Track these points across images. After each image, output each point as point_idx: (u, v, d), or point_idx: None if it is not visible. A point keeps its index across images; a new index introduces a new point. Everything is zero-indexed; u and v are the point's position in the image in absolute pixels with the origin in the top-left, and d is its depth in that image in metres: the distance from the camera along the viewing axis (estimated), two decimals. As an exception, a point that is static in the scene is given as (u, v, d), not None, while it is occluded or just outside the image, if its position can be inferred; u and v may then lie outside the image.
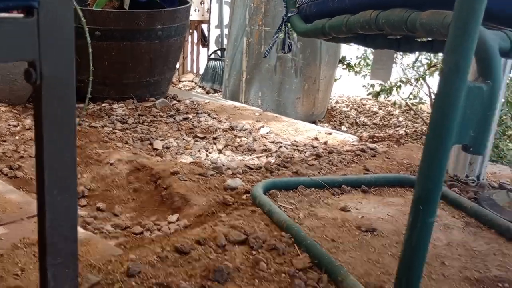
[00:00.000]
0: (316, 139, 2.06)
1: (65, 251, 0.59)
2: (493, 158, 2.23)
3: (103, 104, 2.30)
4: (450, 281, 1.03)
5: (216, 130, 2.10)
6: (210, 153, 1.87)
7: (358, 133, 2.89)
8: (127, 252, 1.02)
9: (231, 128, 2.13)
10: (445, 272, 1.07)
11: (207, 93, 3.44)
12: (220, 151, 1.90)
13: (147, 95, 2.39)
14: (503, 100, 2.17)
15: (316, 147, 1.94)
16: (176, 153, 1.85)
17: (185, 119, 2.20)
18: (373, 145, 2.01)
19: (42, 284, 0.59)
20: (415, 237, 0.70)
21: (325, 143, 2.01)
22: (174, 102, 2.44)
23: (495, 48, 0.66)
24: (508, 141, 2.21)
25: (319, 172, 1.64)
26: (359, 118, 3.29)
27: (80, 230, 1.12)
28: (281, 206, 1.30)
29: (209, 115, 2.29)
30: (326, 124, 2.96)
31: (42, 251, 0.58)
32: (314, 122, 2.82)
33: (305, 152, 1.86)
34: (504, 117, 2.28)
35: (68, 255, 0.59)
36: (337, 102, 3.68)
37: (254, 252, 1.05)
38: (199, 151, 1.87)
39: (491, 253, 1.18)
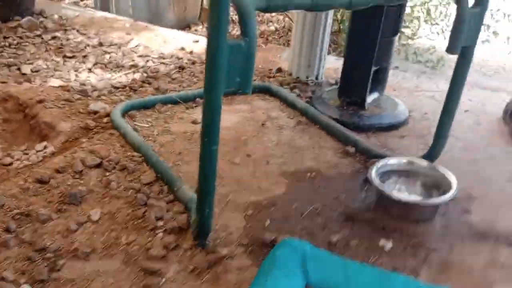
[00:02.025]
0: (183, 49, 2.19)
1: None
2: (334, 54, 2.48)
3: (-36, 29, 2.24)
4: (270, 176, 1.30)
5: (85, 47, 2.16)
6: (80, 73, 1.95)
7: (234, 32, 3.02)
8: (-8, 187, 1.17)
9: (101, 44, 2.19)
10: (267, 169, 1.33)
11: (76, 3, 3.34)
12: (89, 70, 1.98)
13: (11, 14, 2.34)
14: None
15: (181, 58, 2.08)
16: (46, 76, 1.91)
17: (53, 38, 2.22)
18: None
19: None
20: (205, 162, 0.91)
21: (191, 52, 2.15)
22: (42, 19, 2.42)
23: (251, 10, 0.83)
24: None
25: (180, 86, 1.81)
26: (235, 15, 3.40)
27: None
28: (137, 126, 1.47)
29: (78, 31, 2.32)
30: (201, 27, 3.05)
31: None
32: (188, 27, 2.91)
33: (170, 65, 2.00)
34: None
35: None
36: None
37: (107, 173, 1.24)
38: (68, 72, 1.94)
39: (311, 147, 1.45)
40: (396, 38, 1.56)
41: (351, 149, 1.43)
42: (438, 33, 2.64)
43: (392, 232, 1.12)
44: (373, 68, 1.55)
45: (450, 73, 2.17)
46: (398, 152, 1.46)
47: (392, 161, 1.25)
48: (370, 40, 1.51)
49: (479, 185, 1.33)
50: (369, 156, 1.39)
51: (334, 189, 1.26)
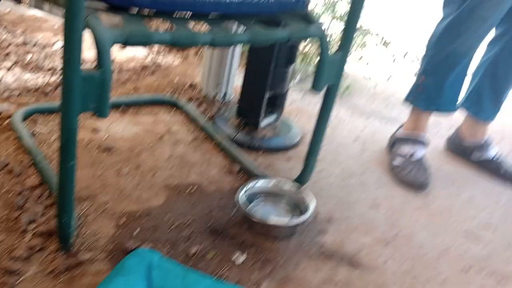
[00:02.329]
0: (106, 55, 2.26)
1: None
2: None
3: None
4: (152, 188, 1.40)
5: (9, 45, 2.21)
6: (-2, 71, 2.01)
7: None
8: None
9: (25, 43, 2.24)
10: (152, 181, 1.43)
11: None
12: (8, 69, 2.04)
13: None
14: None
15: (100, 65, 2.15)
16: (-36, 73, 1.96)
17: (-22, 33, 2.26)
18: (164, 59, 2.29)
19: None
20: (63, 176, 1.00)
21: (113, 60, 2.24)
22: (-30, 12, 2.45)
23: (106, 45, 0.94)
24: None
25: (92, 93, 1.89)
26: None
27: None
28: (36, 130, 1.55)
29: (5, 28, 2.36)
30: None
31: None
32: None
33: (87, 71, 2.08)
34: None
35: None
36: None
37: (-6, 175, 1.31)
38: (-13, 69, 2.00)
39: (200, 163, 1.57)
40: (291, 68, 1.70)
41: (236, 168, 1.56)
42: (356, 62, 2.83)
43: (248, 247, 1.25)
44: (267, 95, 1.69)
45: (353, 101, 2.35)
46: (281, 173, 1.60)
47: (260, 183, 1.39)
48: (264, 69, 1.64)
49: (343, 209, 1.48)
50: (251, 176, 1.51)
51: (208, 205, 1.38)
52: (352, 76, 2.76)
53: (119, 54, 2.30)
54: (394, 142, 1.80)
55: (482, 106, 1.77)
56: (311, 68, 2.54)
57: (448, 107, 1.72)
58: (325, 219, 1.42)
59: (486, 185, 1.77)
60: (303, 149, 1.76)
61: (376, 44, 2.82)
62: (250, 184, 1.37)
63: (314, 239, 1.33)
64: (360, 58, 2.85)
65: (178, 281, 1.01)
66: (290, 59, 1.68)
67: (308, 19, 1.21)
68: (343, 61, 1.26)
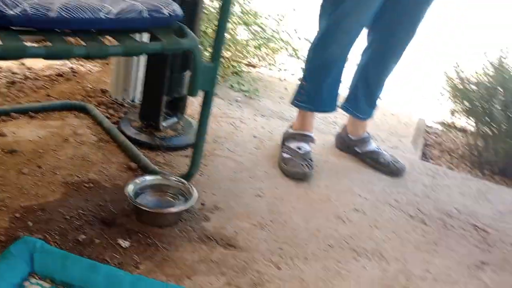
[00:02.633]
0: (23, 64, 2.37)
1: None
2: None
3: None
4: (51, 186, 1.54)
5: None
6: None
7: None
8: None
9: None
10: (52, 180, 1.57)
11: None
12: None
13: None
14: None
15: (15, 73, 2.26)
16: None
17: None
18: (83, 67, 2.42)
19: None
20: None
21: (30, 68, 2.35)
22: None
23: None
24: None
25: (4, 100, 2.00)
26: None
27: None
28: None
29: None
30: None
31: None
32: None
33: (1, 79, 2.19)
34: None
35: None
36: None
37: None
38: None
39: (101, 162, 1.72)
40: (187, 73, 1.87)
41: (134, 165, 1.72)
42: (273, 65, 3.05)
43: (134, 234, 1.41)
44: (164, 98, 1.85)
45: (260, 103, 2.55)
46: (179, 169, 1.77)
47: (149, 178, 1.55)
48: (161, 75, 1.81)
49: (229, 199, 1.66)
50: (147, 172, 1.68)
51: (103, 199, 1.53)
52: (266, 80, 2.97)
53: (37, 62, 2.41)
54: (284, 139, 2.00)
55: (359, 106, 2.01)
56: (224, 76, 2.73)
57: (326, 108, 1.94)
58: (211, 208, 1.60)
59: (365, 176, 2.00)
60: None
61: (287, 50, 3.03)
62: (139, 179, 1.53)
63: (197, 225, 1.51)
64: (275, 63, 3.06)
65: (58, 262, 1.16)
66: (185, 65, 1.85)
67: (182, 32, 1.39)
68: (215, 69, 1.45)
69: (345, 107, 2.05)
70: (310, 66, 1.88)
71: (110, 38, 1.29)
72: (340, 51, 1.80)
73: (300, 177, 1.83)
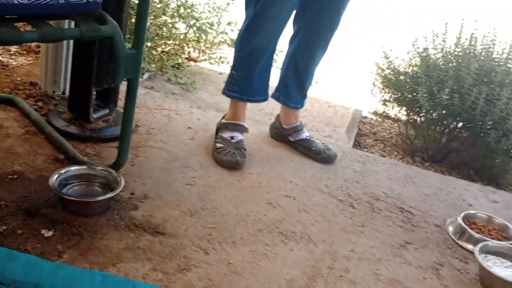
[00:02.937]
0: None
1: None
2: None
3: None
4: None
5: None
6: None
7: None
8: None
9: None
10: (-28, 172, 1.53)
11: None
12: None
13: None
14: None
15: None
16: None
17: None
18: (13, 60, 2.35)
19: None
20: None
21: (-46, 61, 2.26)
22: None
23: None
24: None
25: None
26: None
27: None
28: None
29: None
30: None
31: None
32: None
33: None
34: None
35: None
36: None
37: None
38: None
39: (27, 154, 1.68)
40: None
41: (61, 157, 1.69)
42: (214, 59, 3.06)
43: (59, 224, 1.39)
44: (94, 89, 1.83)
45: (197, 95, 2.55)
46: (108, 160, 1.75)
47: (74, 168, 1.54)
48: (88, 65, 1.78)
49: (159, 188, 1.66)
50: (75, 163, 1.65)
51: (27, 190, 1.50)
52: (205, 73, 2.98)
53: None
54: (218, 129, 2.02)
55: (290, 95, 2.05)
56: (163, 67, 2.72)
57: (258, 97, 1.98)
58: (140, 197, 1.60)
59: (297, 163, 2.04)
60: (135, 138, 1.93)
61: (226, 42, 3.05)
62: (64, 170, 1.51)
63: (125, 214, 1.50)
64: (214, 56, 3.08)
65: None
66: (113, 56, 1.83)
67: (102, 19, 1.38)
68: (138, 57, 1.45)
69: (276, 97, 2.09)
70: (239, 55, 1.90)
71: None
72: (267, 39, 1.83)
73: (232, 166, 1.86)
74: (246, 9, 1.86)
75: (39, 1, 1.24)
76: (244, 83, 1.92)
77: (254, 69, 1.89)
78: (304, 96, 2.08)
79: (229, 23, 3.18)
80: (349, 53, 4.03)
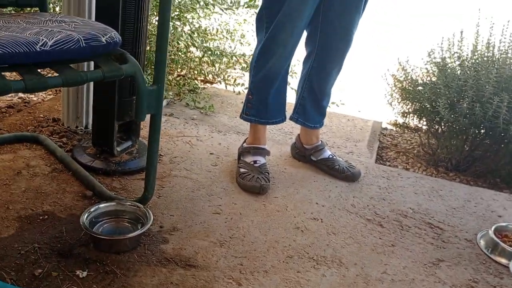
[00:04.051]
0: (-29, 97, 2.34)
1: None
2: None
3: None
4: (4, 221, 1.52)
5: None
6: None
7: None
8: None
9: None
10: (5, 215, 1.55)
11: None
12: None
13: None
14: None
15: (-36, 108, 2.23)
16: None
17: None
18: (34, 96, 2.39)
19: None
20: None
21: (-22, 101, 2.31)
22: None
23: None
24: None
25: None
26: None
27: None
28: None
29: None
30: None
31: None
32: None
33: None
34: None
35: None
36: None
37: None
38: None
39: (55, 192, 1.70)
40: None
41: (89, 193, 1.71)
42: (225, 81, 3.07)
43: (92, 263, 1.40)
44: (117, 123, 1.86)
45: (215, 118, 2.57)
46: (135, 193, 1.76)
47: (103, 205, 1.55)
48: (110, 100, 1.81)
49: (187, 218, 1.67)
50: (103, 198, 1.67)
51: (59, 230, 1.52)
52: (222, 95, 2.99)
53: (-15, 95, 2.37)
54: (240, 154, 2.02)
55: (308, 116, 2.05)
56: (181, 94, 2.74)
57: (275, 119, 1.99)
58: (169, 229, 1.60)
59: (321, 183, 2.03)
60: (159, 168, 1.95)
61: (241, 64, 3.07)
62: (94, 207, 1.53)
63: (156, 248, 1.51)
64: (228, 79, 3.09)
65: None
66: (134, 89, 1.85)
67: (122, 58, 1.40)
68: (160, 92, 1.46)
69: (294, 118, 2.10)
70: (254, 79, 1.91)
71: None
72: (280, 63, 1.85)
73: (257, 191, 1.86)
74: (258, 34, 1.87)
75: (61, 47, 1.27)
76: (261, 106, 1.94)
77: (269, 92, 1.91)
78: (322, 115, 2.08)
79: (242, 36, 3.20)
80: (356, 55, 4.02)
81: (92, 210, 1.52)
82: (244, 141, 2.07)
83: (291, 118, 2.10)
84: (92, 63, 1.84)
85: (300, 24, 1.78)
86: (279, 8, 1.75)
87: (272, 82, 1.88)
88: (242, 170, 1.94)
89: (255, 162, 1.96)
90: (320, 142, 2.12)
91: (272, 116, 1.97)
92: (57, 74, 1.27)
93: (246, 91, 2.99)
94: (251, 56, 2.01)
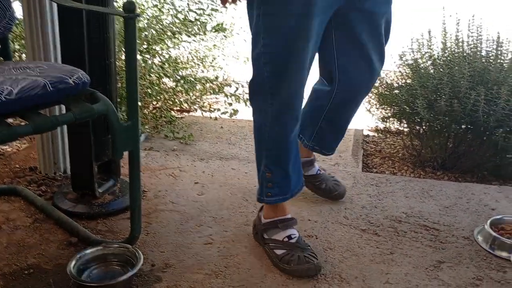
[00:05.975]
0: None
1: None
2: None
3: None
4: (-13, 281, 1.45)
5: None
6: None
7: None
8: None
9: None
10: (-14, 275, 1.48)
11: None
12: None
13: None
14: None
15: None
16: None
17: None
18: (8, 147, 2.33)
19: None
20: None
21: (-50, 159, 2.24)
22: None
23: None
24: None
25: None
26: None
27: None
28: None
29: None
30: None
31: None
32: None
33: None
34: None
35: None
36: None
37: None
38: None
39: (39, 244, 1.64)
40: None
41: (74, 240, 1.65)
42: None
43: (84, 314, 1.34)
44: (95, 164, 1.81)
45: (196, 147, 2.52)
46: (122, 233, 1.71)
47: (90, 250, 1.49)
48: (85, 141, 1.76)
49: (178, 253, 1.62)
50: (89, 243, 1.61)
51: (46, 283, 1.45)
52: (200, 122, 2.96)
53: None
54: (261, 232, 1.67)
55: (326, 145, 1.90)
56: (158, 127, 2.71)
57: (298, 188, 1.70)
58: (161, 267, 1.55)
59: (311, 198, 1.98)
60: (144, 204, 1.89)
61: (214, 89, 3.04)
62: (80, 254, 1.47)
63: (149, 289, 1.45)
64: (209, 105, 3.06)
65: None
66: (109, 128, 1.81)
67: (93, 97, 1.36)
68: (135, 128, 1.42)
69: (310, 146, 1.92)
70: (269, 154, 1.61)
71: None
72: (292, 128, 1.58)
73: (314, 273, 1.54)
74: (255, 113, 1.61)
75: (27, 94, 1.23)
76: (283, 181, 1.64)
77: (288, 162, 1.61)
78: (339, 141, 1.92)
79: (214, 59, 3.17)
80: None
81: (78, 257, 1.46)
82: (258, 218, 1.71)
83: (305, 146, 1.90)
84: (63, 106, 1.79)
85: (298, 103, 1.56)
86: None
87: (288, 150, 1.60)
88: (279, 252, 1.58)
89: (289, 237, 1.62)
90: (313, 157, 2.02)
91: (295, 186, 1.67)
92: (26, 122, 1.23)
93: (223, 116, 2.96)
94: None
